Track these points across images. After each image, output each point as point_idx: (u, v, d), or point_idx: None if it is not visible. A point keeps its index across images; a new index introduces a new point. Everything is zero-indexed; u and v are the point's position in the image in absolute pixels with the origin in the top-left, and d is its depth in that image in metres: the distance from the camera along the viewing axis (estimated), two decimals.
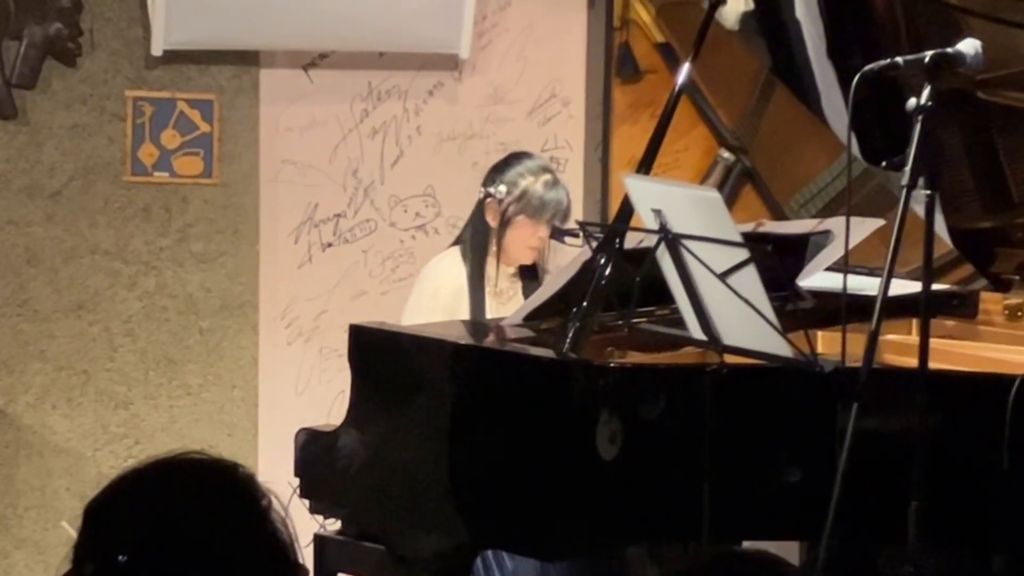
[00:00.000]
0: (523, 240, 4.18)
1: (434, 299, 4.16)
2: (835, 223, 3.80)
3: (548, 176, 4.21)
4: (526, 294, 4.22)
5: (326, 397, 4.77)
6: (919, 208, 2.93)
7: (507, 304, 4.20)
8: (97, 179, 4.71)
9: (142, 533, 1.78)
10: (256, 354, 4.85)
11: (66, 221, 4.71)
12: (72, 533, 4.65)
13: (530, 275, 4.26)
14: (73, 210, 4.71)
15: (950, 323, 3.94)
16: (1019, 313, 3.94)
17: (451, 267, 4.19)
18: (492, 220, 4.18)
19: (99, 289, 4.74)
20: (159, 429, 4.80)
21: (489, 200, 4.18)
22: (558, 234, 4.66)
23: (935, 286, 3.25)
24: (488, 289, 4.19)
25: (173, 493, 1.82)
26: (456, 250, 4.24)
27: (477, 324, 4.02)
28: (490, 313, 4.18)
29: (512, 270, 4.24)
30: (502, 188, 4.16)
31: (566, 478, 3.25)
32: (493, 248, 4.20)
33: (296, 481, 3.68)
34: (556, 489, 3.26)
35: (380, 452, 3.54)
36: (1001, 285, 4.00)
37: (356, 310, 4.69)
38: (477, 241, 4.20)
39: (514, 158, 4.27)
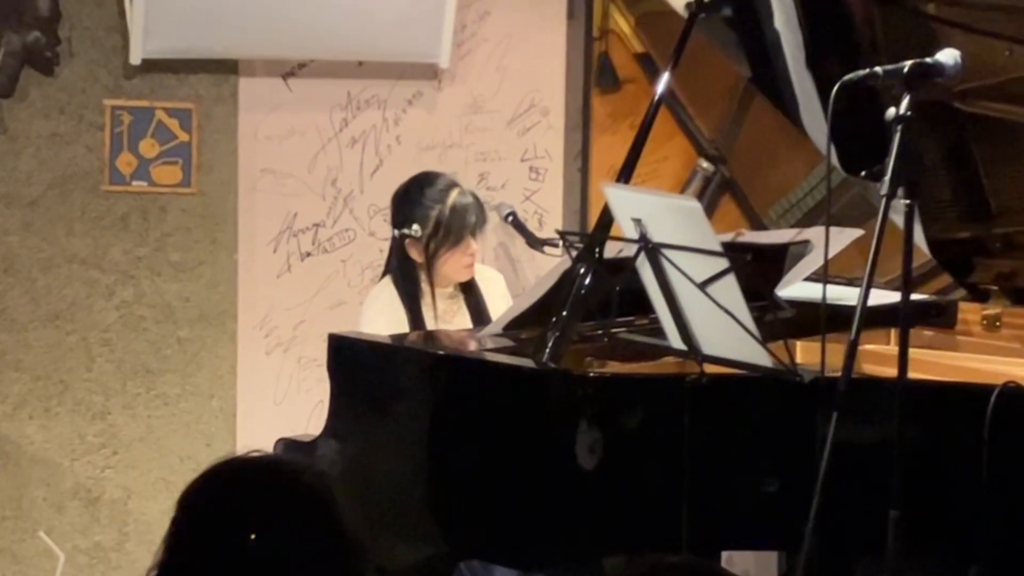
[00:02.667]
0: (456, 263, 4.17)
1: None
2: (814, 233, 3.81)
3: (453, 192, 4.18)
4: (470, 305, 4.21)
5: (305, 407, 4.76)
6: (898, 218, 2.93)
7: (452, 322, 4.18)
8: (75, 188, 4.70)
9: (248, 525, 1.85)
10: (234, 364, 4.83)
11: (43, 230, 4.69)
12: (49, 543, 4.63)
13: (467, 287, 4.24)
14: (51, 219, 4.69)
15: (929, 333, 3.94)
16: (997, 323, 3.95)
17: (389, 302, 4.17)
18: (418, 257, 4.17)
19: (76, 298, 4.73)
20: (136, 439, 4.79)
21: (408, 240, 4.16)
22: (538, 243, 4.66)
23: (914, 296, 3.25)
24: (429, 315, 4.17)
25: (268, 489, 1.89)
26: (389, 283, 4.21)
27: (456, 334, 4.01)
28: None
29: (450, 288, 4.22)
30: (416, 227, 4.14)
31: (545, 488, 3.25)
32: (424, 276, 4.17)
33: None
34: (536, 499, 3.26)
35: (359, 462, 3.53)
36: (979, 295, 4.01)
37: (335, 320, 4.68)
38: (407, 279, 4.16)
39: (414, 188, 4.21)
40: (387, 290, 4.21)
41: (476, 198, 4.22)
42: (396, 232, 4.20)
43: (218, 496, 1.89)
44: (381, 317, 4.12)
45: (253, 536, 1.83)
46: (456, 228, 4.13)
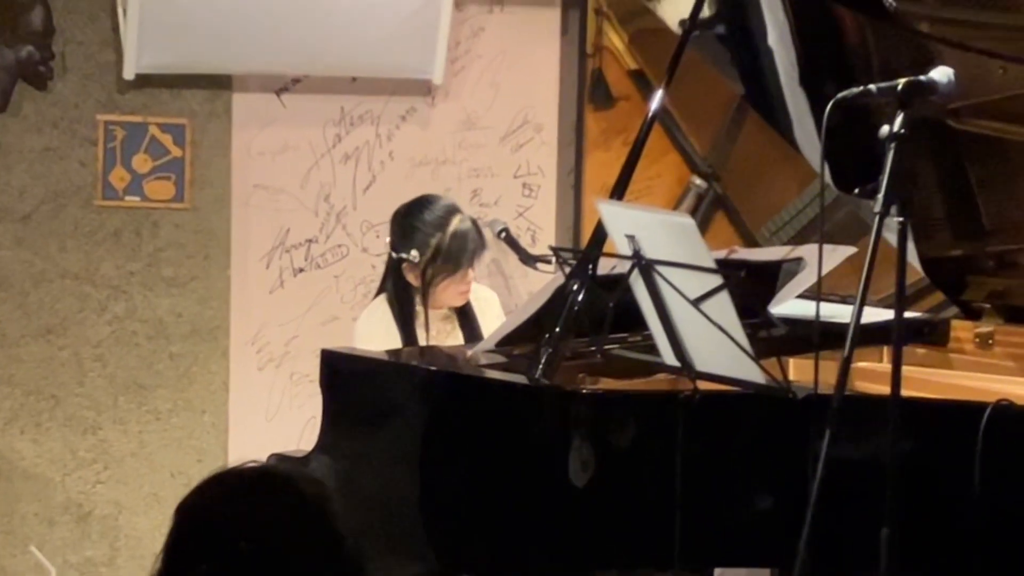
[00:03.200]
0: (453, 291, 4.15)
1: None
2: (807, 250, 3.81)
3: (454, 219, 4.14)
4: (464, 326, 4.20)
5: (297, 423, 4.75)
6: (891, 236, 2.93)
7: (446, 343, 4.17)
8: (68, 203, 4.70)
9: (240, 535, 1.85)
10: (226, 379, 4.83)
11: (36, 245, 4.69)
12: (40, 558, 4.61)
13: (462, 309, 4.22)
14: (43, 234, 4.69)
15: (921, 351, 3.95)
16: (990, 341, 3.95)
17: (382, 321, 4.15)
18: (414, 281, 4.14)
19: (68, 313, 4.72)
20: (128, 454, 4.78)
21: (405, 264, 4.13)
22: (531, 260, 4.66)
23: (907, 314, 3.25)
24: (422, 335, 4.16)
25: (266, 499, 1.90)
26: (383, 302, 4.19)
27: (449, 350, 4.01)
28: None
29: (445, 311, 4.21)
30: (414, 253, 4.10)
31: (538, 504, 3.24)
32: (419, 299, 4.15)
33: None
34: (528, 515, 3.25)
35: (350, 478, 3.52)
36: (972, 313, 4.01)
37: (327, 335, 4.68)
38: (402, 300, 4.13)
39: (415, 212, 4.17)
40: (380, 309, 4.20)
41: (476, 225, 4.20)
42: (394, 255, 4.18)
43: (216, 505, 1.90)
44: (375, 336, 4.11)
45: (250, 544, 1.84)
46: (455, 257, 4.10)
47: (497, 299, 4.40)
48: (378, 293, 4.28)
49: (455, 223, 4.14)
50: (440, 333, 4.20)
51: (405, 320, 4.15)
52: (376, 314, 4.20)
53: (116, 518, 4.78)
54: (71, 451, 4.74)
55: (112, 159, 4.71)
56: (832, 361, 3.01)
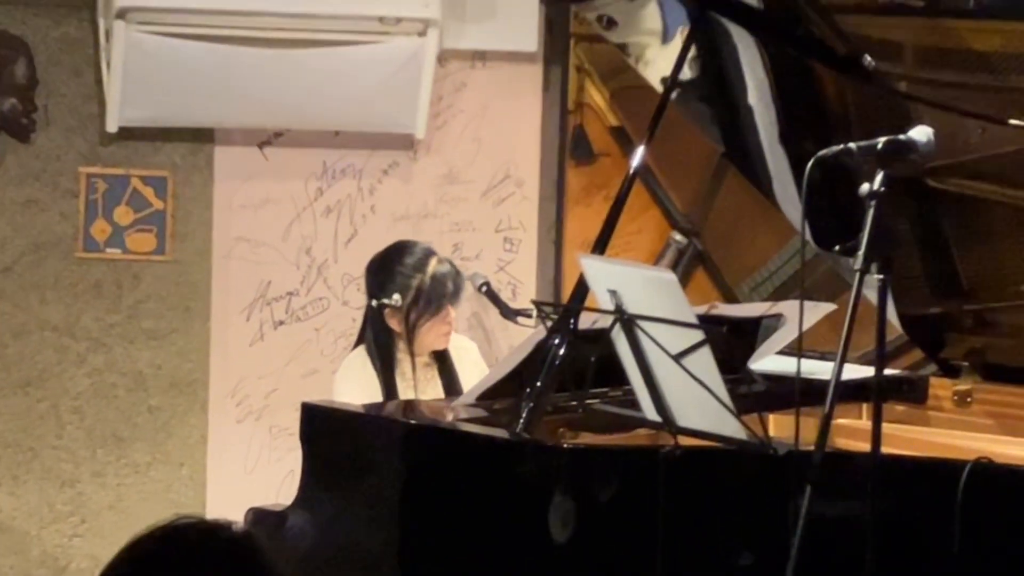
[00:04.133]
0: (436, 332, 4.15)
1: None
2: (787, 307, 3.82)
3: (432, 261, 4.16)
4: (442, 374, 4.20)
5: (276, 476, 4.73)
6: (871, 293, 2.95)
7: (426, 390, 4.17)
8: (48, 255, 4.69)
9: None
10: (205, 432, 4.81)
11: (16, 297, 4.68)
12: None
13: (441, 356, 4.23)
14: (24, 286, 4.68)
15: (900, 408, 3.95)
16: (968, 399, 3.96)
17: (362, 372, 4.15)
18: (397, 327, 4.14)
19: (48, 365, 4.71)
20: (106, 507, 4.75)
21: (388, 311, 4.13)
22: (511, 314, 4.66)
23: (886, 371, 3.26)
24: (402, 384, 4.15)
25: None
26: (363, 352, 4.19)
27: (429, 404, 4.00)
28: None
29: (426, 358, 4.21)
30: (396, 297, 4.10)
31: (518, 559, 3.23)
32: (401, 345, 4.15)
33: None
34: (508, 570, 3.24)
35: (330, 532, 3.51)
36: (950, 371, 4.03)
37: (307, 388, 4.67)
38: (383, 348, 4.13)
39: (393, 258, 4.18)
40: (360, 359, 4.20)
41: (453, 266, 4.23)
42: (374, 302, 4.17)
43: (136, 570, 1.86)
44: (355, 387, 4.11)
45: None
46: (437, 297, 4.12)
47: (476, 348, 4.41)
48: (357, 344, 4.27)
49: (433, 264, 4.16)
50: (421, 381, 4.20)
51: (386, 368, 4.15)
52: (355, 365, 4.20)
53: (93, 572, 4.74)
54: (48, 504, 4.72)
55: (94, 211, 4.72)
56: (812, 418, 3.02)
